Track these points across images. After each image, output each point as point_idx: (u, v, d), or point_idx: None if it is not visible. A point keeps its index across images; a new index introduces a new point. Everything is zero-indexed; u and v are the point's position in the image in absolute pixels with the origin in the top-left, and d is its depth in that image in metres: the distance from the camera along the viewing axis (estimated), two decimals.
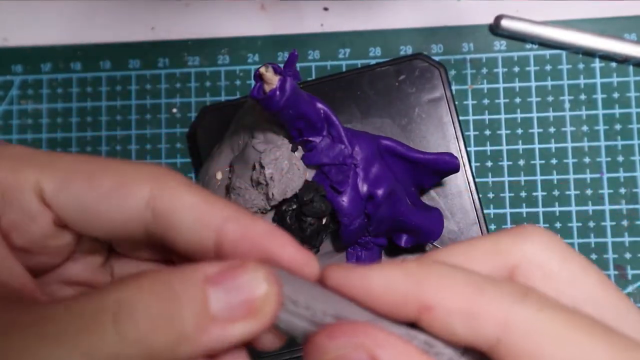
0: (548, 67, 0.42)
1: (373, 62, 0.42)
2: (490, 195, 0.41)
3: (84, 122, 0.44)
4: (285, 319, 0.17)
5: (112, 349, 0.15)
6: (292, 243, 0.19)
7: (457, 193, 0.39)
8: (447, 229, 0.38)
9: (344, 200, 0.33)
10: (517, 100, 0.42)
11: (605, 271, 0.40)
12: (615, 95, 0.42)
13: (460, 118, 0.41)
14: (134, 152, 0.44)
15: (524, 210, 0.41)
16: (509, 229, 0.19)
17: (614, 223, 0.40)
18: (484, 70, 0.42)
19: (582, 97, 0.42)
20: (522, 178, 0.41)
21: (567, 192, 0.41)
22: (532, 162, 0.41)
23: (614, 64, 0.42)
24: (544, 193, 0.41)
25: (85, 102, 0.44)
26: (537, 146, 0.42)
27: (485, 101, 0.42)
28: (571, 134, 0.41)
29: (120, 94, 0.44)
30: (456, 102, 0.41)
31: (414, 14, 0.44)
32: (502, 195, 0.41)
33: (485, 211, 0.40)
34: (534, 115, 0.42)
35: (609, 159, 0.41)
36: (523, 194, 0.41)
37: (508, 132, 0.42)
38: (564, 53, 0.42)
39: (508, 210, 0.41)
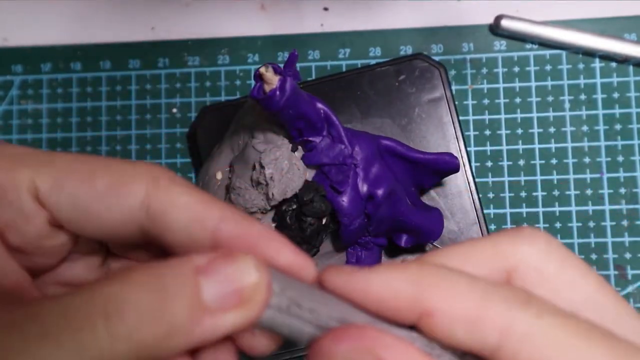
0: (548, 67, 0.42)
1: (373, 62, 0.42)
2: (490, 195, 0.41)
3: (84, 122, 0.44)
4: (289, 323, 0.17)
5: (102, 346, 0.15)
6: (289, 246, 0.18)
7: (457, 193, 0.39)
8: (447, 229, 0.38)
9: (344, 200, 0.33)
10: (517, 100, 0.42)
11: (605, 271, 0.40)
12: (615, 95, 0.42)
13: (460, 118, 0.41)
14: (134, 152, 0.44)
15: (524, 210, 0.41)
16: (508, 231, 0.19)
17: (614, 223, 0.40)
18: (484, 70, 0.42)
19: (582, 97, 0.42)
20: (522, 178, 0.41)
21: (567, 192, 0.41)
22: (532, 162, 0.41)
23: (614, 64, 0.42)
24: (544, 193, 0.41)
25: (85, 102, 0.44)
26: (537, 146, 0.41)
27: (485, 101, 0.42)
28: (571, 134, 0.41)
29: (120, 94, 0.44)
30: (456, 102, 0.41)
31: (414, 14, 0.44)
32: (502, 195, 0.41)
33: (485, 211, 0.40)
34: (534, 115, 0.42)
35: (609, 159, 0.41)
36: (523, 194, 0.41)
37: (508, 132, 0.42)
38: (564, 53, 0.42)
39: (508, 210, 0.41)
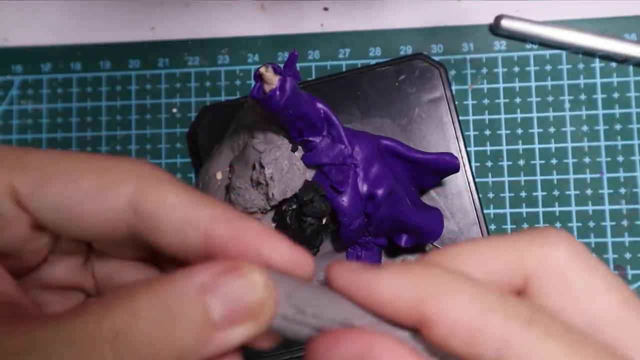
0: (548, 67, 0.42)
1: (373, 62, 0.42)
2: (490, 195, 0.41)
3: (84, 122, 0.44)
4: (293, 329, 0.17)
5: None
6: (285, 242, 0.18)
7: (457, 193, 0.39)
8: (447, 229, 0.38)
9: (344, 200, 0.33)
10: (517, 100, 0.42)
11: None
12: (615, 95, 0.42)
13: (460, 118, 0.41)
14: (134, 152, 0.44)
15: (524, 210, 0.41)
16: (531, 231, 0.17)
17: (614, 223, 0.40)
18: (484, 70, 0.42)
19: (582, 97, 0.42)
20: (522, 178, 0.41)
21: (567, 192, 0.41)
22: (532, 162, 0.41)
23: (614, 64, 0.42)
24: (544, 193, 0.41)
25: (85, 102, 0.44)
26: (537, 146, 0.41)
27: (485, 101, 0.42)
28: (571, 134, 0.41)
29: (120, 94, 0.44)
30: (456, 102, 0.41)
31: (414, 14, 0.44)
32: (502, 195, 0.41)
33: (485, 211, 0.40)
34: (534, 115, 0.42)
35: (609, 159, 0.41)
36: (523, 194, 0.41)
37: (508, 132, 0.42)
38: (564, 53, 0.42)
39: (508, 210, 0.41)
